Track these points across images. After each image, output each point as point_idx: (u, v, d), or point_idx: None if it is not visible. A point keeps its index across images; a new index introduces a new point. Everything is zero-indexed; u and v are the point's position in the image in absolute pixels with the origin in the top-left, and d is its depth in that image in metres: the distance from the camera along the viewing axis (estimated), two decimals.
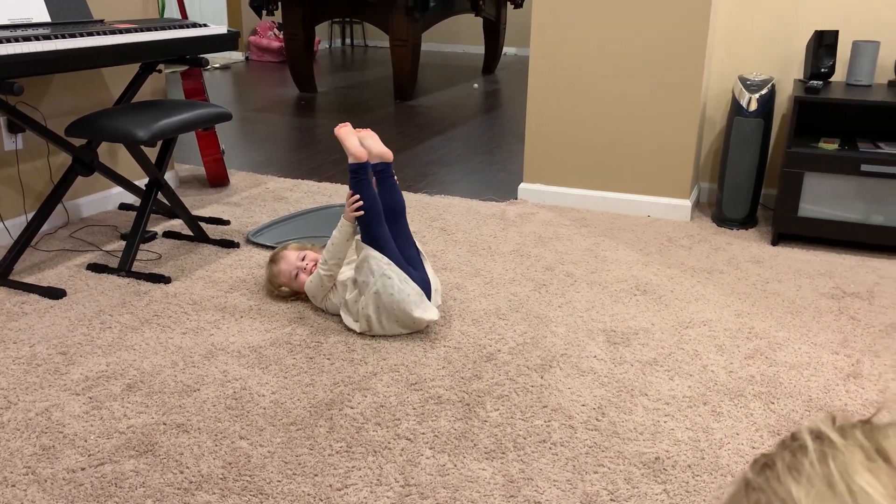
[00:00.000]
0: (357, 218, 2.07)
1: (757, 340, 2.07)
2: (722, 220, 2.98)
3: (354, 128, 2.22)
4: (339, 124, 2.22)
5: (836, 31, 2.81)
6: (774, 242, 2.79)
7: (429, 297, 2.06)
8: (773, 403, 1.77)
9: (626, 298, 2.33)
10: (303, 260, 2.25)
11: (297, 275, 2.23)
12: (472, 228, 2.92)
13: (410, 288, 2.00)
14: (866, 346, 2.04)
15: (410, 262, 2.09)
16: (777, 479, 0.41)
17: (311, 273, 2.22)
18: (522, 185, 3.28)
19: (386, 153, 2.20)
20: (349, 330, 2.09)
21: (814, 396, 1.80)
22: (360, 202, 2.07)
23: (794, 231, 2.76)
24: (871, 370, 1.92)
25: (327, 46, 9.00)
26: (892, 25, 2.84)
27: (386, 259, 2.00)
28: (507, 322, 2.17)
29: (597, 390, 1.83)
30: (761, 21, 3.02)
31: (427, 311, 2.03)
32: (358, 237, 2.09)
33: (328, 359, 1.96)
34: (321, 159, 3.94)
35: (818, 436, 0.43)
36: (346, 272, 2.12)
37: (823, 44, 2.81)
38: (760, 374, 1.89)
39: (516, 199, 3.28)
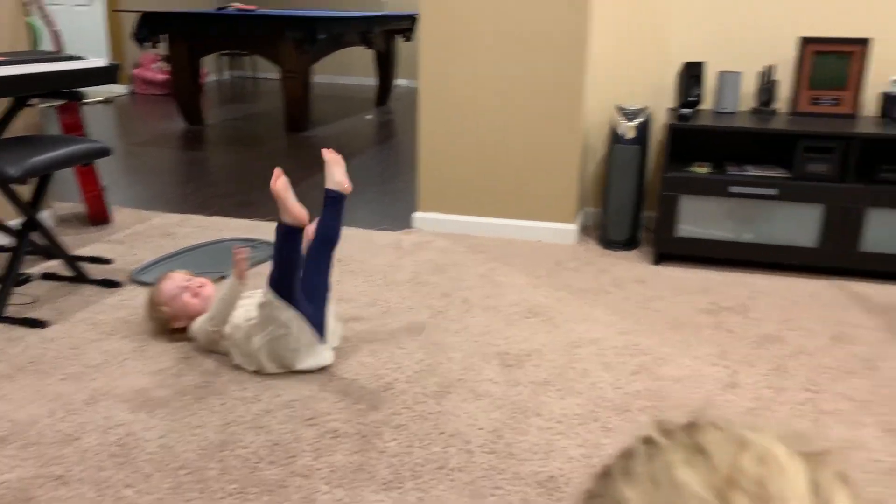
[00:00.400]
0: (274, 270, 1.97)
1: (642, 356, 2.16)
2: (607, 243, 3.11)
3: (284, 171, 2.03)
4: (275, 176, 2.01)
5: (703, 63, 3.02)
6: (656, 262, 2.93)
7: (322, 336, 2.04)
8: (658, 417, 1.85)
9: (520, 321, 2.39)
10: (188, 281, 2.18)
11: (180, 294, 2.15)
12: (367, 258, 2.92)
13: (306, 338, 1.97)
14: (742, 357, 2.17)
15: (315, 292, 2.05)
16: (612, 484, 0.45)
17: (196, 296, 2.15)
18: (417, 214, 3.32)
19: (347, 186, 2.14)
20: (240, 368, 2.03)
21: (695, 408, 1.89)
22: (246, 260, 2.00)
23: (673, 251, 2.91)
24: (747, 379, 2.04)
25: (216, 79, 8.83)
26: (752, 57, 3.06)
27: (291, 311, 1.95)
28: (404, 351, 2.17)
29: (492, 413, 1.86)
30: (635, 54, 3.20)
31: (319, 358, 2.01)
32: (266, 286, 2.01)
33: (219, 398, 1.90)
34: (210, 192, 3.85)
35: (647, 440, 0.46)
36: (238, 314, 2.06)
37: (691, 74, 3.01)
38: (646, 389, 1.98)
39: (411, 228, 3.31)
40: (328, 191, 2.14)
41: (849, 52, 2.88)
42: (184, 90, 5.61)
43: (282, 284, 1.95)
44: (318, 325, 2.02)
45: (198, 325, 2.10)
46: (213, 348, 2.10)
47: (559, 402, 1.91)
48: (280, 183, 1.94)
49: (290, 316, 1.95)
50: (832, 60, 2.90)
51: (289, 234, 1.94)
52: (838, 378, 2.05)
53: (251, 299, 2.06)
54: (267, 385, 1.96)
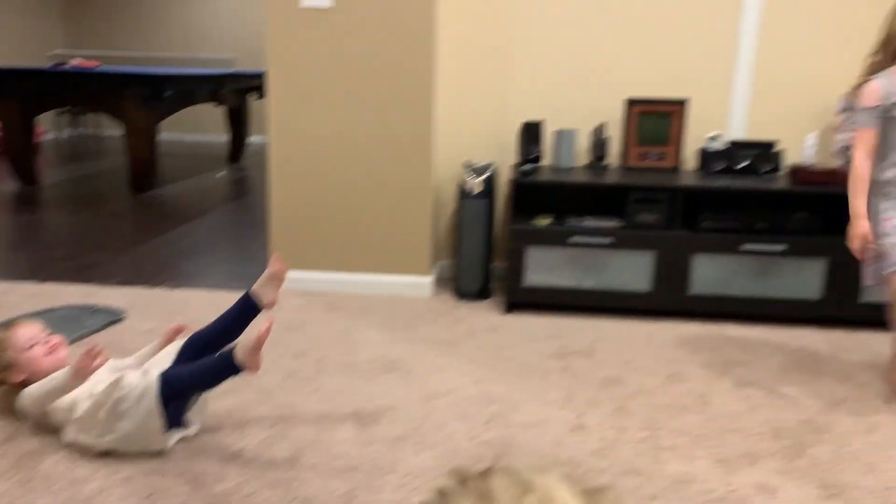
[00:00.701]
0: (183, 381, 1.86)
1: (495, 405, 2.21)
2: (461, 294, 3.18)
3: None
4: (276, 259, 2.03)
5: (541, 122, 3.20)
6: (507, 311, 3.03)
7: (177, 425, 1.93)
8: (585, 485, 1.88)
9: (376, 378, 2.38)
10: (48, 336, 2.00)
11: (34, 346, 1.96)
12: None
13: (154, 424, 1.84)
14: (588, 399, 2.26)
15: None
16: None
17: (49, 354, 1.97)
18: None
19: (273, 304, 2.08)
20: (74, 445, 1.88)
21: (546, 452, 1.95)
22: (95, 363, 1.81)
23: (523, 299, 3.02)
24: (593, 421, 2.13)
25: (54, 136, 8.34)
26: (585, 116, 3.28)
27: (155, 398, 1.83)
28: (253, 416, 2.10)
29: (347, 474, 1.83)
30: (480, 113, 3.35)
31: (159, 441, 1.87)
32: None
33: (46, 481, 1.75)
34: (43, 257, 3.60)
35: (441, 491, 0.49)
36: (82, 389, 1.90)
37: (530, 133, 3.18)
38: (499, 437, 2.02)
39: None
40: (252, 297, 2.06)
41: (669, 112, 3.15)
42: (16, 149, 5.26)
43: (177, 395, 1.85)
44: (174, 415, 1.90)
45: (29, 396, 1.92)
46: (43, 422, 1.94)
47: (414, 458, 1.91)
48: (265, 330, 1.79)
49: (152, 402, 1.82)
50: (655, 119, 3.16)
51: (231, 372, 1.83)
52: (674, 415, 2.18)
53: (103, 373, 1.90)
54: (104, 461, 1.83)
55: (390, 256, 3.20)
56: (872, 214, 2.26)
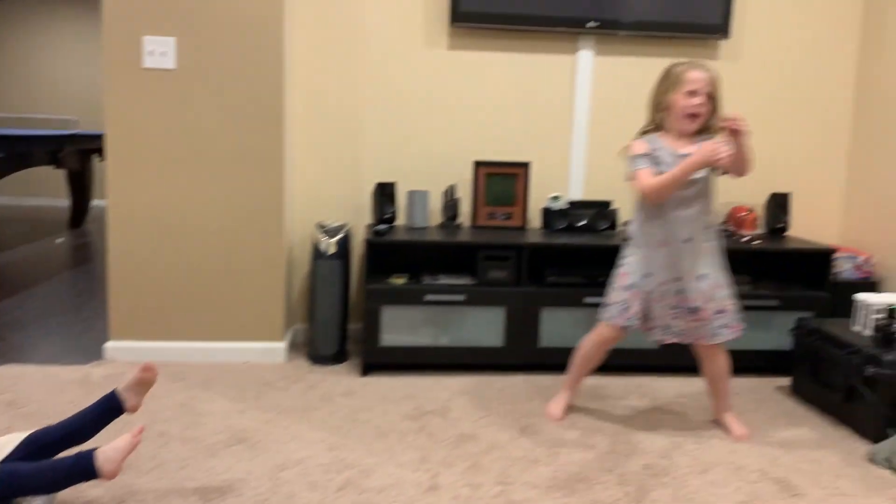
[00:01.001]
0: (26, 479, 1.71)
1: (348, 471, 2.15)
2: (316, 358, 3.11)
3: None
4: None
5: (394, 183, 3.25)
6: (364, 373, 2.99)
7: None
8: None
9: (223, 450, 2.27)
10: None
11: None
12: (47, 398, 2.60)
13: None
14: (442, 459, 2.26)
15: None
16: None
17: None
18: (109, 344, 3.06)
19: (135, 409, 1.98)
20: None
21: None
22: None
23: (379, 360, 3.00)
24: (446, 480, 2.12)
25: None
26: (436, 177, 3.37)
27: None
28: (88, 499, 1.93)
29: None
30: (334, 175, 3.36)
31: None
32: None
33: None
34: None
35: None
36: None
37: (384, 193, 3.22)
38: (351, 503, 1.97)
39: (103, 359, 3.03)
40: (118, 397, 1.95)
41: (514, 174, 3.30)
42: None
43: (12, 493, 1.69)
44: None
45: None
46: None
47: None
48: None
49: None
50: (501, 181, 3.29)
51: (84, 477, 1.71)
52: (526, 468, 2.22)
53: None
54: None
55: (241, 322, 3.10)
56: (619, 258, 2.50)
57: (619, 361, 2.92)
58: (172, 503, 1.94)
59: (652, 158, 2.37)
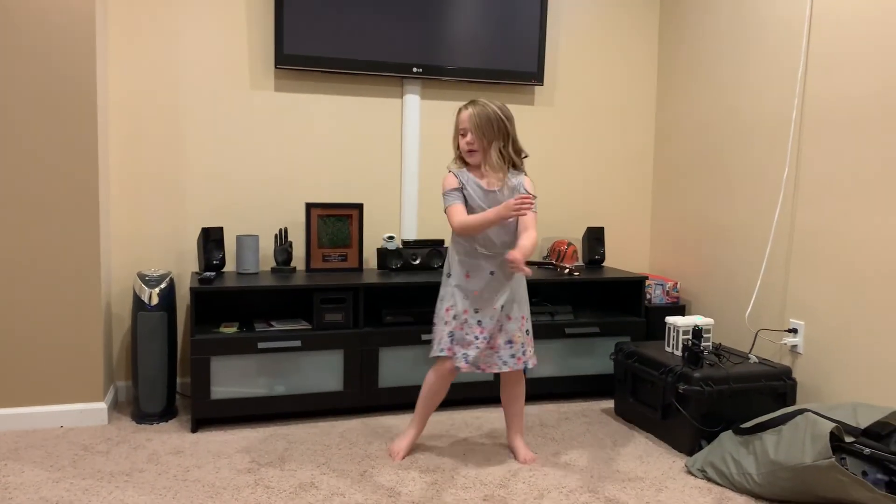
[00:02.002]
0: None
1: None
2: (141, 417, 2.92)
3: None
4: None
5: (221, 228, 3.14)
6: (194, 429, 2.84)
7: None
8: None
9: None
10: None
11: None
12: None
13: None
14: None
15: None
16: None
17: None
18: None
19: None
20: None
21: None
22: None
23: (211, 414, 2.86)
24: None
25: None
26: (267, 220, 3.30)
27: None
28: None
29: None
30: (156, 221, 3.19)
31: None
32: None
33: None
34: None
35: None
36: None
37: (210, 239, 3.10)
38: None
39: None
40: None
41: (347, 215, 3.30)
42: None
43: None
44: None
45: None
46: None
47: None
48: None
49: None
50: (334, 223, 3.28)
51: None
52: None
53: None
54: None
55: (54, 384, 2.84)
56: (443, 285, 2.61)
57: (456, 396, 2.98)
58: None
59: (463, 193, 2.50)
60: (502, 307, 2.52)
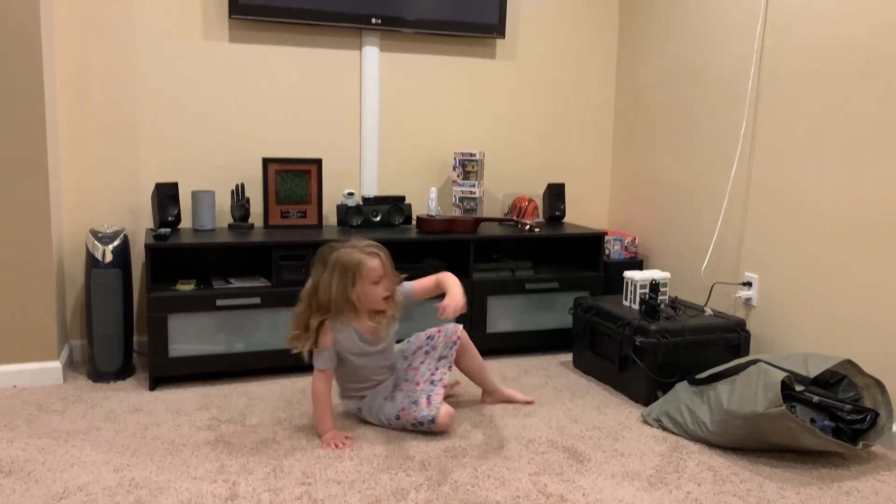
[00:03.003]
0: None
1: (138, 491, 2.01)
2: (97, 376, 2.87)
3: None
4: None
5: (176, 183, 3.07)
6: (152, 387, 2.80)
7: None
8: None
9: None
10: None
11: None
12: None
13: None
14: (241, 467, 2.17)
15: None
16: None
17: None
18: None
19: None
20: None
21: None
22: None
23: (169, 372, 2.82)
24: (246, 488, 2.05)
25: None
26: (223, 176, 3.24)
27: None
28: None
29: None
30: (107, 177, 3.10)
31: None
32: None
33: None
34: None
35: None
36: None
37: (164, 195, 3.03)
38: None
39: None
40: None
41: (305, 171, 3.25)
42: None
43: None
44: None
45: None
46: None
47: None
48: None
49: None
50: (293, 178, 3.23)
51: None
52: (329, 465, 2.20)
53: None
54: None
55: (6, 343, 2.78)
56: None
57: None
58: None
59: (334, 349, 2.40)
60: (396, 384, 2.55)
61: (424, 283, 2.54)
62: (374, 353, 2.46)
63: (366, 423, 2.52)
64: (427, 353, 2.58)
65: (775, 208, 2.89)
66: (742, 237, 3.06)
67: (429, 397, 2.41)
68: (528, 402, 2.73)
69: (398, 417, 2.43)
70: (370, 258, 2.36)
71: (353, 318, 2.40)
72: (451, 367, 2.52)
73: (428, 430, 2.41)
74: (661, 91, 3.56)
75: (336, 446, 2.32)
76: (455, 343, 2.55)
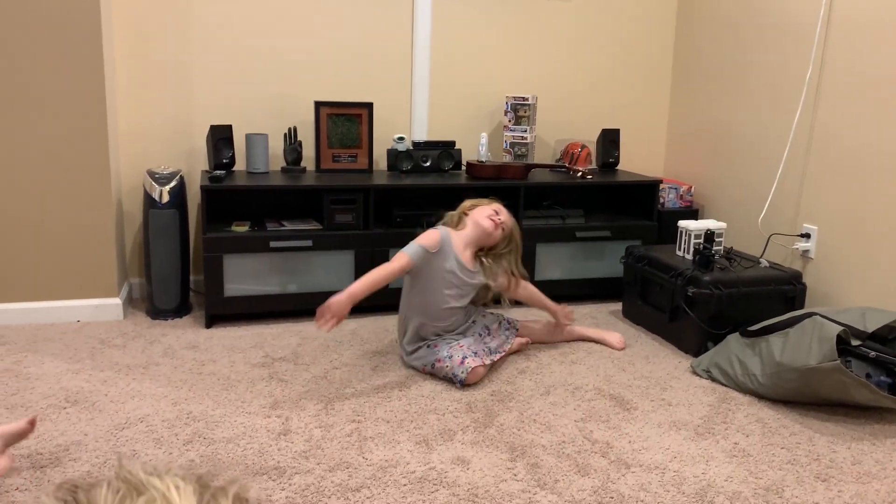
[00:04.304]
0: None
1: (195, 424, 2.09)
2: (156, 313, 2.97)
3: None
4: None
5: (230, 126, 3.10)
6: (208, 325, 2.89)
7: None
8: (212, 481, 1.79)
9: (55, 414, 2.12)
10: None
11: None
12: None
13: None
14: (293, 403, 2.24)
15: None
16: None
17: None
18: None
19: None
20: None
21: (250, 463, 1.89)
22: None
23: (224, 311, 2.90)
24: (298, 424, 2.11)
25: None
26: (276, 119, 3.25)
27: None
28: None
29: None
30: (164, 118, 3.15)
31: None
32: None
33: None
34: None
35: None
36: None
37: (219, 137, 3.06)
38: (199, 457, 1.91)
39: None
40: None
41: (357, 115, 3.24)
42: None
43: None
44: None
45: None
46: None
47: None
48: None
49: None
50: (344, 122, 3.23)
51: None
52: (378, 404, 2.25)
53: None
54: None
55: (70, 279, 2.88)
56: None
57: None
58: None
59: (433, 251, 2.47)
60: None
61: (536, 293, 2.71)
62: (458, 286, 2.50)
63: (411, 366, 2.56)
64: (481, 335, 2.60)
65: (838, 158, 2.78)
66: (802, 187, 2.96)
67: (464, 358, 2.42)
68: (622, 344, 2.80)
69: (433, 366, 2.46)
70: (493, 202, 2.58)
71: (460, 242, 2.50)
72: (493, 361, 2.52)
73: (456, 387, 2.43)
74: (722, 34, 3.42)
75: (321, 321, 2.29)
76: (508, 340, 2.63)
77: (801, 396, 2.29)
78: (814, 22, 2.86)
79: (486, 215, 2.51)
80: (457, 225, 2.55)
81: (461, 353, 2.43)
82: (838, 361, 2.10)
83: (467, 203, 2.60)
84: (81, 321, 2.90)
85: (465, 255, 2.51)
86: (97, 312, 2.92)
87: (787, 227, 3.03)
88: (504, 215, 2.56)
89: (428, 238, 2.46)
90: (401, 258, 2.44)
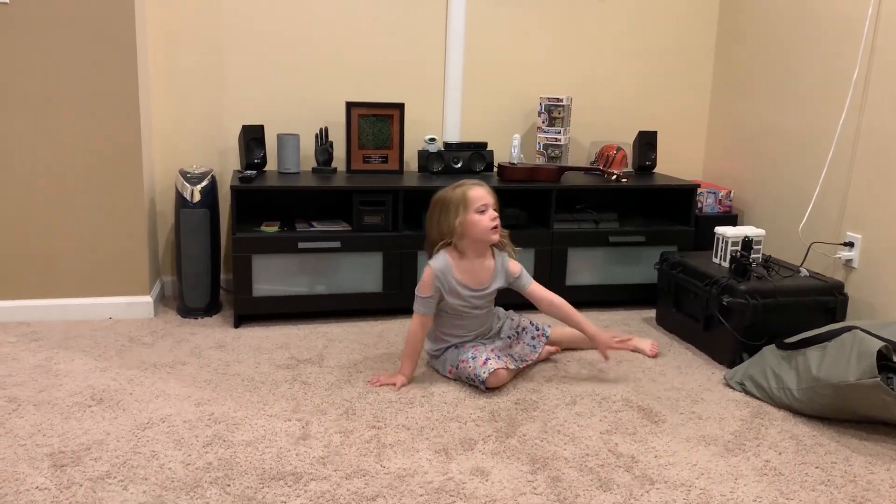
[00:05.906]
0: None
1: (216, 426, 2.09)
2: (186, 312, 2.99)
3: None
4: None
5: (262, 126, 3.11)
6: (237, 325, 2.90)
7: None
8: (228, 486, 1.79)
9: (80, 412, 2.14)
10: None
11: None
12: None
13: None
14: (315, 407, 2.23)
15: None
16: None
17: None
18: None
19: None
20: None
21: (267, 468, 1.88)
22: None
23: (252, 311, 2.91)
24: (319, 428, 2.09)
25: None
26: (307, 120, 3.25)
27: None
28: None
29: None
30: (196, 118, 3.17)
31: None
32: None
33: None
34: None
35: None
36: None
37: (251, 137, 3.07)
38: (218, 459, 1.91)
39: None
40: None
41: (388, 115, 3.22)
42: None
43: None
44: None
45: None
46: None
47: (121, 495, 1.74)
48: None
49: None
50: (375, 122, 3.21)
51: None
52: (400, 410, 2.22)
53: None
54: None
55: (102, 277, 2.92)
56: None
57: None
58: (21, 470, 1.82)
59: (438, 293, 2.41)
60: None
61: (542, 291, 2.52)
62: (476, 306, 2.46)
63: (436, 370, 2.52)
64: (510, 337, 2.57)
65: (886, 162, 2.66)
66: (846, 193, 2.84)
67: (487, 360, 2.38)
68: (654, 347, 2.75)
69: (457, 367, 2.42)
70: (473, 188, 2.37)
71: (460, 266, 2.41)
72: (518, 368, 2.48)
73: (478, 387, 2.39)
74: (765, 32, 3.31)
75: (375, 384, 2.39)
76: (536, 349, 2.55)
77: (838, 413, 2.19)
78: (862, 17, 2.74)
79: (484, 226, 2.36)
80: (459, 241, 2.40)
81: (485, 355, 2.39)
82: (878, 378, 2.01)
83: (452, 212, 2.38)
84: (113, 318, 2.94)
85: (469, 276, 2.42)
86: (129, 310, 2.95)
87: (829, 234, 2.92)
88: (496, 218, 2.41)
89: (423, 289, 2.41)
90: (415, 319, 2.43)
